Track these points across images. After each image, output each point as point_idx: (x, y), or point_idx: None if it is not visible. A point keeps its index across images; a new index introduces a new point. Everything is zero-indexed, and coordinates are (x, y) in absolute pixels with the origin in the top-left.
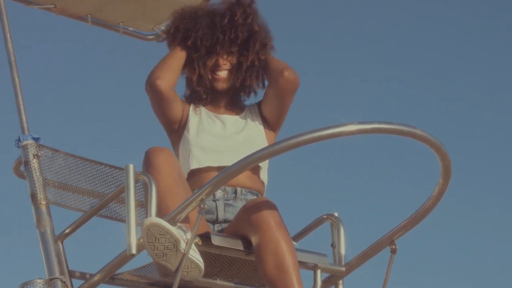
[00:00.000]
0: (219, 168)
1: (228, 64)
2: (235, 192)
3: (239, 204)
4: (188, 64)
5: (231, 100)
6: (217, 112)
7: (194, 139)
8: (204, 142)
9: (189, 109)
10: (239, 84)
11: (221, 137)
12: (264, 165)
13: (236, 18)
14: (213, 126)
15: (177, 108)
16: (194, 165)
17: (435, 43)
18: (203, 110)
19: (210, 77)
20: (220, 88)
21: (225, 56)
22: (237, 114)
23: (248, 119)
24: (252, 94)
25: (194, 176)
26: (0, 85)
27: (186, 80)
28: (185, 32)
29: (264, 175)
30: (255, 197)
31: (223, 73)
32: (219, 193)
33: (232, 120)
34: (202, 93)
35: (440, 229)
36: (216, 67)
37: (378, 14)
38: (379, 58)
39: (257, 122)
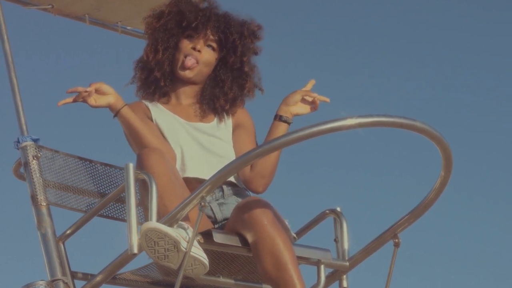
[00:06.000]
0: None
1: (205, 52)
2: (222, 191)
3: (231, 200)
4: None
5: (200, 102)
6: (186, 118)
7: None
8: (180, 152)
9: (150, 112)
10: (210, 81)
11: (192, 147)
12: None
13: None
14: (187, 134)
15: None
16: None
17: (434, 37)
18: (165, 111)
19: (180, 60)
20: (187, 76)
21: (205, 45)
22: (207, 119)
23: (220, 128)
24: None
25: None
26: None
27: (142, 64)
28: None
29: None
30: (241, 189)
31: (198, 57)
32: (207, 197)
33: (204, 128)
34: (160, 79)
35: (444, 221)
36: (191, 52)
37: (377, 10)
38: (378, 55)
39: (228, 135)
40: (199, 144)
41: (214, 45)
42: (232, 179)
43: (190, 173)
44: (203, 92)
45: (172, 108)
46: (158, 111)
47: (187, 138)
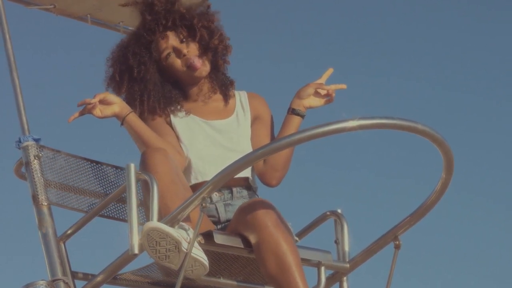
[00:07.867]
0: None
1: (190, 47)
2: (231, 192)
3: (238, 202)
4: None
5: (214, 88)
6: (205, 116)
7: (189, 152)
8: (197, 154)
9: (170, 116)
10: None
11: (212, 147)
12: None
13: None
14: (205, 135)
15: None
16: (193, 181)
17: (434, 37)
18: (188, 115)
19: (184, 68)
20: (204, 74)
21: (181, 43)
22: (226, 114)
23: (240, 122)
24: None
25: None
26: (0, 86)
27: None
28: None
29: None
30: (251, 192)
31: (197, 57)
32: (215, 196)
33: (223, 125)
34: (170, 105)
35: (444, 222)
36: (185, 58)
37: (377, 10)
38: (378, 55)
39: (248, 128)
40: (218, 144)
41: (184, 34)
42: (247, 174)
43: (212, 176)
44: (211, 77)
45: (191, 108)
46: (178, 115)
47: (205, 140)
